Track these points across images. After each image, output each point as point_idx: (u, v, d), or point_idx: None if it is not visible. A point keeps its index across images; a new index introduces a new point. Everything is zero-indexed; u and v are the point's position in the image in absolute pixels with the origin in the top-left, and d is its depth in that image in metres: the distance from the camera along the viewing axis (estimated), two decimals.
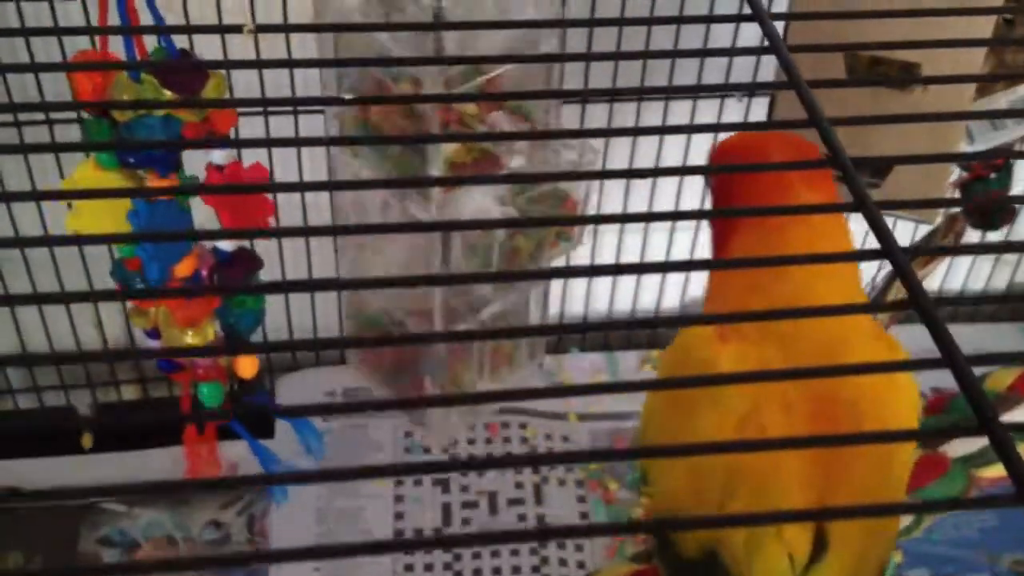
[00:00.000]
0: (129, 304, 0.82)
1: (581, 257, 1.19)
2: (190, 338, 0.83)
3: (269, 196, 0.80)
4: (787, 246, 0.55)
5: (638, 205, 1.19)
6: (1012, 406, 0.88)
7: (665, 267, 0.37)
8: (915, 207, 0.40)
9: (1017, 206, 1.02)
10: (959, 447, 0.80)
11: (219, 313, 0.83)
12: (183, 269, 0.82)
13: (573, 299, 1.26)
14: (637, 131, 0.53)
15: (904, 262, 0.38)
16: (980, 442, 0.84)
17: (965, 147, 0.94)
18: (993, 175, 0.99)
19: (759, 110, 1.11)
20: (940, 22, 0.54)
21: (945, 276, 1.33)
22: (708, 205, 0.62)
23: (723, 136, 0.61)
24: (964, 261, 1.27)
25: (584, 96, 1.07)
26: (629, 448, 0.52)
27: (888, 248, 0.38)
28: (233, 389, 0.87)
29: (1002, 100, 0.92)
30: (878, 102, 0.84)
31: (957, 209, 1.00)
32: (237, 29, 0.41)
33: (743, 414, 0.53)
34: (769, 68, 1.06)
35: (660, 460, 0.57)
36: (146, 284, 0.80)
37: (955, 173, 0.99)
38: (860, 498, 0.53)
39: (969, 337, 1.19)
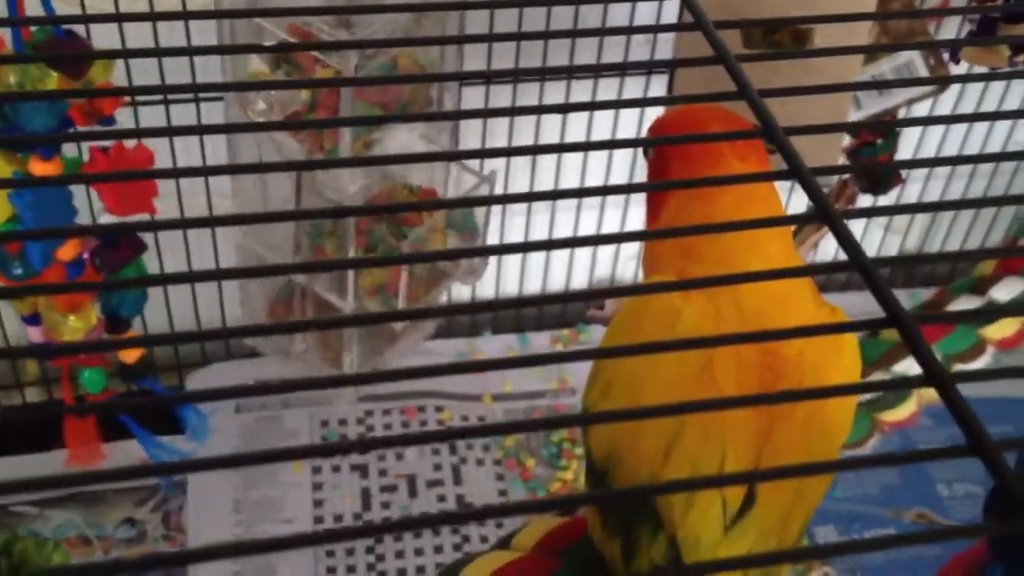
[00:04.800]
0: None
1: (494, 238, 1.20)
2: (72, 322, 0.81)
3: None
4: (715, 211, 0.58)
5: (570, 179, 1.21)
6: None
7: (597, 240, 0.38)
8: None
9: (904, 170, 1.07)
10: None
11: (101, 297, 0.82)
12: (66, 252, 0.80)
13: (482, 283, 1.27)
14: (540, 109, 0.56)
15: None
16: None
17: (853, 113, 0.98)
18: (880, 140, 1.03)
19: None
20: None
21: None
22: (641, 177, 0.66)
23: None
24: (856, 230, 1.32)
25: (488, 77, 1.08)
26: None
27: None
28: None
29: (886, 66, 0.96)
30: (772, 69, 0.87)
31: (847, 175, 1.04)
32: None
33: (702, 364, 0.56)
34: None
35: (607, 401, 0.59)
36: (26, 268, 0.79)
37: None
38: (797, 446, 0.57)
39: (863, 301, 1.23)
